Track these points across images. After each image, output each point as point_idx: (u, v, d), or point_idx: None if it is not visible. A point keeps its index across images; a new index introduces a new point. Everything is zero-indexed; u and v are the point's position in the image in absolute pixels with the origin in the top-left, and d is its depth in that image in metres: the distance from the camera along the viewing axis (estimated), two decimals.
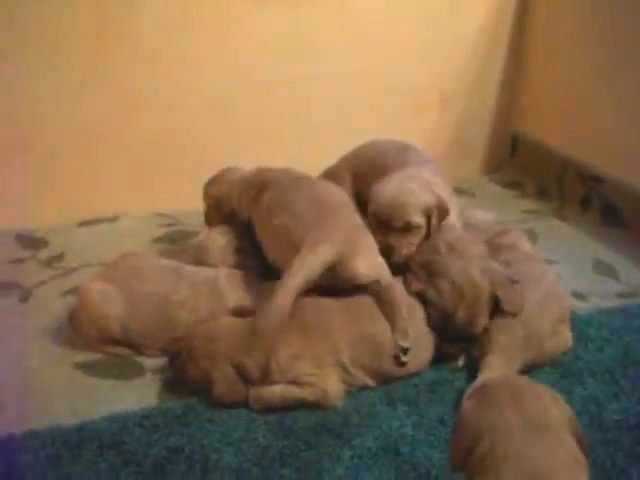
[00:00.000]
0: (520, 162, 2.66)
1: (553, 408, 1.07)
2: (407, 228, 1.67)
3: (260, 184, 1.77)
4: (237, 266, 1.76)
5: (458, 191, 2.47)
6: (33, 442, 1.38)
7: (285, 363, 1.48)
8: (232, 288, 1.66)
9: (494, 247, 1.75)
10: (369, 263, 1.55)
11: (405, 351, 1.53)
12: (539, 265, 1.71)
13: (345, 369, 1.51)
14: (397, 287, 1.58)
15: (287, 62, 2.32)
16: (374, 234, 1.66)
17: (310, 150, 2.26)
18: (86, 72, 2.15)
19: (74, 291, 1.83)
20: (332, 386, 1.49)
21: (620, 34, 2.23)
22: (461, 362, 1.62)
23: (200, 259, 1.80)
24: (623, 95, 2.23)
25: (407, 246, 1.67)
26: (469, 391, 1.25)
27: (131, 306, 1.63)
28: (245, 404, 1.49)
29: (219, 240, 1.82)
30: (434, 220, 1.68)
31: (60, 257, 2.08)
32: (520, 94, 2.65)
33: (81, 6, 2.10)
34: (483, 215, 1.89)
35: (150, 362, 1.64)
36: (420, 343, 1.58)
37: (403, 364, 1.54)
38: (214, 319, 1.59)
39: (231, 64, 2.28)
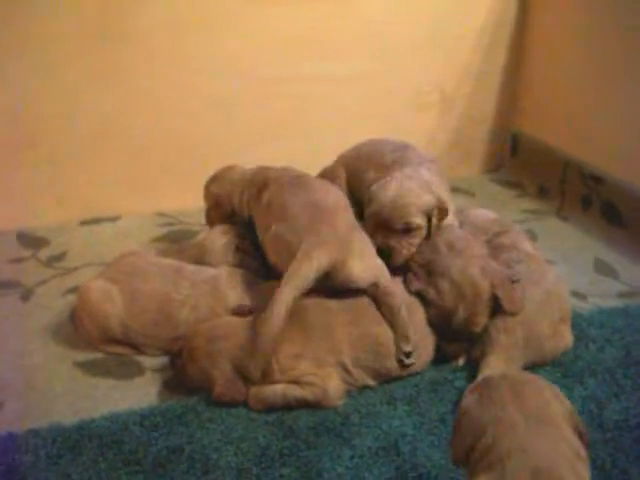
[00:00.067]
0: (521, 162, 2.66)
1: (554, 402, 1.07)
2: (408, 229, 1.66)
3: (261, 183, 1.76)
4: (238, 266, 1.76)
5: (459, 191, 2.48)
6: (33, 441, 1.39)
7: (286, 363, 1.48)
8: (233, 287, 1.66)
9: (494, 247, 1.75)
10: (365, 266, 1.55)
11: (408, 355, 1.53)
12: (540, 265, 1.71)
13: (346, 369, 1.51)
14: (395, 289, 1.57)
15: (288, 62, 2.32)
16: (373, 235, 1.65)
17: (311, 150, 2.26)
18: (87, 71, 2.15)
19: (75, 290, 1.83)
20: (333, 386, 1.49)
21: (621, 34, 2.22)
22: (461, 362, 1.62)
23: (200, 258, 1.79)
24: (624, 95, 2.23)
25: (407, 247, 1.66)
26: (470, 388, 1.25)
27: (132, 305, 1.64)
28: (245, 404, 1.49)
29: (219, 239, 1.82)
30: (434, 220, 1.68)
31: (61, 256, 2.09)
32: (521, 94, 2.65)
33: (82, 6, 2.10)
34: (483, 214, 1.89)
35: (150, 361, 1.64)
36: (421, 342, 1.58)
37: (407, 366, 1.55)
38: (215, 318, 1.59)
39: (231, 64, 2.28)
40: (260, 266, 1.75)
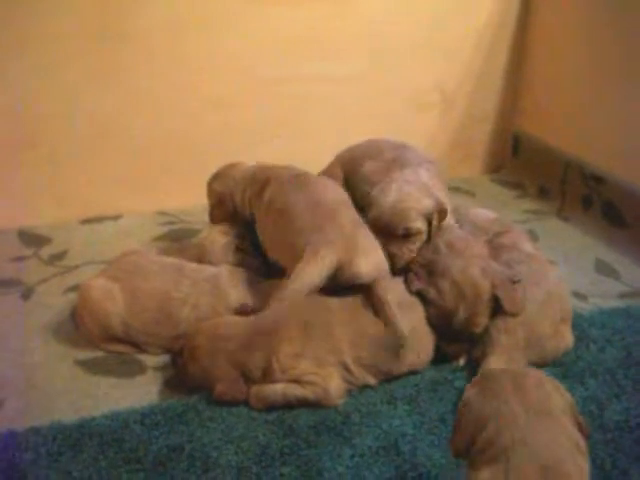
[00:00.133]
0: (522, 162, 2.66)
1: (555, 395, 1.08)
2: (408, 235, 1.66)
3: (262, 181, 1.76)
4: (238, 265, 1.76)
5: (459, 191, 2.48)
6: (34, 439, 1.39)
7: (286, 362, 1.48)
8: (234, 286, 1.66)
9: (495, 247, 1.75)
10: (370, 262, 1.55)
11: (401, 345, 1.52)
12: (540, 265, 1.71)
13: (346, 368, 1.51)
14: (382, 282, 1.55)
15: (288, 62, 2.32)
16: None
17: (310, 150, 2.25)
18: (87, 71, 2.15)
19: (76, 289, 1.83)
20: (334, 385, 1.49)
21: (623, 34, 2.22)
22: (462, 362, 1.62)
23: (201, 258, 1.80)
24: (625, 95, 2.23)
25: (408, 253, 1.66)
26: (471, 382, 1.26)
27: (133, 304, 1.64)
28: (246, 402, 1.49)
29: (220, 239, 1.82)
30: (435, 222, 1.68)
31: (62, 255, 2.09)
32: (522, 94, 2.65)
33: (82, 6, 2.10)
34: (483, 214, 1.89)
35: (151, 360, 1.64)
36: (421, 342, 1.59)
37: (402, 358, 1.53)
38: (216, 317, 1.60)
39: (231, 64, 2.28)
40: (261, 265, 1.75)
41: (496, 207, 2.15)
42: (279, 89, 2.33)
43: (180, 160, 2.32)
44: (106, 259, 1.93)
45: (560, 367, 1.61)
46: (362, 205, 1.75)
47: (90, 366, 1.62)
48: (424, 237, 1.68)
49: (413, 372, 1.59)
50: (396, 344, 1.52)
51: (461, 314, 1.57)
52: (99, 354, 1.66)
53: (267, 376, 1.48)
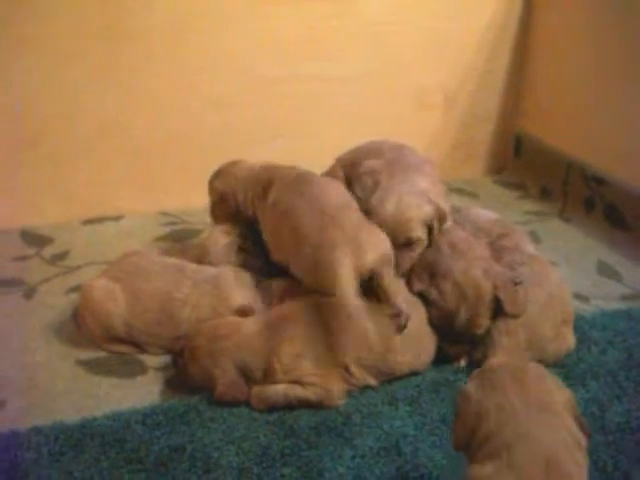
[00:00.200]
0: (524, 163, 2.66)
1: (555, 390, 1.08)
2: (409, 243, 1.66)
3: (266, 182, 1.75)
4: (240, 266, 1.76)
5: (461, 192, 2.48)
6: (36, 438, 1.39)
7: (288, 362, 1.48)
8: (235, 286, 1.66)
9: (497, 249, 1.74)
10: (377, 258, 1.54)
11: (403, 320, 1.52)
12: (542, 267, 1.71)
13: (348, 369, 1.51)
14: (386, 269, 1.56)
15: (289, 61, 2.32)
16: None
17: (310, 150, 2.25)
18: (87, 71, 2.15)
19: (78, 289, 1.83)
20: (335, 386, 1.49)
21: (626, 35, 2.22)
22: (463, 363, 1.62)
23: (202, 259, 1.79)
24: (628, 97, 2.23)
25: (409, 260, 1.66)
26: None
27: (134, 304, 1.64)
28: (247, 403, 1.49)
29: (221, 239, 1.81)
30: (435, 227, 1.68)
31: (64, 255, 2.09)
32: (524, 95, 2.64)
33: (82, 6, 2.10)
34: (484, 215, 1.88)
35: (153, 360, 1.64)
36: (422, 343, 1.59)
37: (402, 328, 1.53)
38: (217, 317, 1.59)
39: (231, 64, 2.28)
40: (263, 265, 1.75)
41: (498, 208, 2.15)
42: (279, 89, 2.33)
43: (181, 160, 2.32)
44: (108, 259, 1.93)
45: (561, 369, 1.60)
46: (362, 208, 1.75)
47: (92, 366, 1.62)
48: (425, 243, 1.68)
49: (414, 373, 1.59)
50: (399, 325, 1.51)
51: (463, 315, 1.57)
52: (101, 354, 1.66)
53: (268, 377, 1.49)
